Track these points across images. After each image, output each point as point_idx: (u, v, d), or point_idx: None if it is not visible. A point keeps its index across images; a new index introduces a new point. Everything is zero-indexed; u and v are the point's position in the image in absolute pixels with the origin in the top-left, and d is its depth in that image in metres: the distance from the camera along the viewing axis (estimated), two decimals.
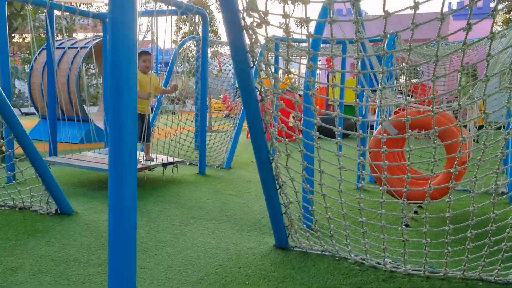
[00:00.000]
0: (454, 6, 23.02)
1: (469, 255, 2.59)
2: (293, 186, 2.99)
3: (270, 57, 9.45)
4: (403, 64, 9.01)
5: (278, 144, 2.93)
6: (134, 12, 1.76)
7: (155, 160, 5.65)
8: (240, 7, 2.33)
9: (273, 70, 2.60)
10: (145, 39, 6.95)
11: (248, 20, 2.37)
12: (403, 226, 2.70)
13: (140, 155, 5.49)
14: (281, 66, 7.22)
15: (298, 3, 2.16)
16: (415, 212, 4.45)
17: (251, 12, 2.30)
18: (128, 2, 1.78)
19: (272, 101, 2.72)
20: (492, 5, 19.70)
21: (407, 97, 7.40)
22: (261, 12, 2.28)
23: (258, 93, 2.72)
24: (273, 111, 2.70)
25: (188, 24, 20.62)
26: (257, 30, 2.39)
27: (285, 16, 2.17)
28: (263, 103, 2.71)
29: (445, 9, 2.06)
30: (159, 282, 2.70)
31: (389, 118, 4.31)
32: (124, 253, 1.87)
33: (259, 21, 2.34)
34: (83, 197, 4.79)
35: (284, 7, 2.16)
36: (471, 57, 9.80)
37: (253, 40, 2.45)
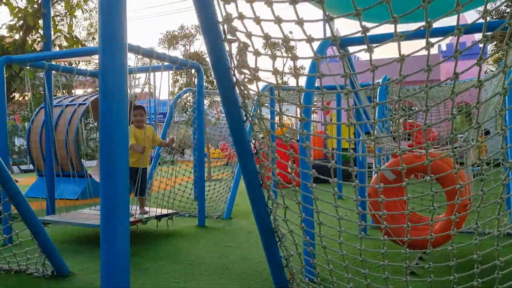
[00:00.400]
0: (444, 47, 23.65)
1: None
2: (292, 238, 2.93)
3: (264, 107, 9.58)
4: (403, 106, 9.12)
5: (276, 196, 2.90)
6: (124, 67, 1.79)
7: (148, 213, 5.57)
8: (231, 65, 2.38)
9: (268, 124, 2.62)
10: (143, 92, 7.08)
11: (240, 77, 2.41)
12: (407, 277, 2.62)
13: (133, 209, 5.42)
14: (275, 119, 7.29)
15: (288, 58, 2.20)
16: (420, 258, 4.34)
17: (242, 69, 2.35)
18: (119, 57, 1.82)
19: (267, 154, 2.72)
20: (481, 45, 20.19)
21: (401, 144, 7.43)
22: (252, 69, 2.32)
23: (252, 146, 2.73)
24: (269, 164, 2.69)
25: (184, 76, 21.11)
26: (249, 86, 2.43)
27: (275, 72, 2.21)
28: (258, 156, 2.71)
29: (435, 51, 2.16)
30: None
31: (386, 165, 4.30)
32: None
33: (250, 77, 2.38)
34: (81, 256, 4.69)
35: (273, 64, 2.20)
36: (464, 97, 9.95)
37: (245, 95, 2.49)
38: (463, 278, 2.52)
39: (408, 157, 4.24)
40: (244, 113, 2.56)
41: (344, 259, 2.76)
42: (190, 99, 17.18)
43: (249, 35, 2.13)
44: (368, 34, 1.91)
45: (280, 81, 2.36)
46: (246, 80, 2.39)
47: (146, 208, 5.78)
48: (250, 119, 2.57)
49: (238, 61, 2.31)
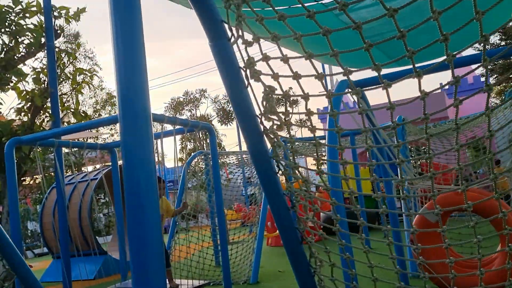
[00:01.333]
0: (446, 86, 23.75)
1: None
2: None
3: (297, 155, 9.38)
4: (414, 146, 8.93)
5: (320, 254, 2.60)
6: (148, 132, 1.59)
7: (179, 286, 5.21)
8: (257, 112, 2.19)
9: (302, 171, 2.38)
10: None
11: (267, 124, 2.21)
12: None
13: None
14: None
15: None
16: None
17: (269, 115, 2.15)
18: (142, 126, 1.63)
19: (305, 206, 2.45)
20: (483, 79, 20.29)
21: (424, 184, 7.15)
22: (280, 114, 2.12)
23: (287, 198, 2.47)
24: (308, 217, 2.42)
25: (193, 141, 21.19)
26: (279, 133, 2.22)
27: (309, 113, 2.00)
28: (295, 209, 2.44)
29: (439, 90, 2.05)
30: None
31: (425, 206, 4.00)
32: None
33: (279, 123, 2.17)
34: None
35: (306, 104, 2.01)
36: (476, 132, 9.79)
37: (274, 143, 2.27)
38: None
39: (448, 195, 3.95)
40: (275, 164, 2.34)
41: None
42: (200, 163, 17.08)
43: (276, 76, 1.95)
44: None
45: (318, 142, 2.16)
46: (275, 127, 2.19)
47: (176, 281, 5.41)
48: (282, 170, 2.33)
49: (265, 107, 2.11)
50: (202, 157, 9.72)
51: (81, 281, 7.49)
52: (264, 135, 2.26)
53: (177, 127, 5.42)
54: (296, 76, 1.90)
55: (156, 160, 5.92)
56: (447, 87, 24.17)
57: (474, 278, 3.30)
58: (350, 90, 3.77)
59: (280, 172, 2.34)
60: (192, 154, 9.45)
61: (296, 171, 2.30)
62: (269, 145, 2.34)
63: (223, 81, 2.15)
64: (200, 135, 18.33)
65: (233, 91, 2.19)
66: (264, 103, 2.11)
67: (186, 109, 22.39)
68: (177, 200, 8.25)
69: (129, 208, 1.53)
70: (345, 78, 1.88)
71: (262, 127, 2.24)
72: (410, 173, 4.78)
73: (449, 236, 4.93)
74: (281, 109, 2.19)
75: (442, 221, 3.92)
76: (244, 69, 2.07)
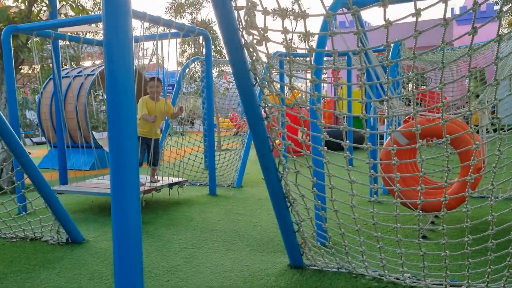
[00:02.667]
0: (457, 11, 22.98)
1: (491, 266, 2.48)
2: (304, 203, 2.92)
3: (274, 74, 9.45)
4: (409, 72, 8.95)
5: (286, 161, 2.87)
6: (128, 33, 1.74)
7: (160, 182, 5.61)
8: (239, 26, 2.31)
9: (278, 86, 2.55)
10: (151, 62, 7.00)
11: (248, 38, 2.34)
12: (420, 239, 2.60)
13: (143, 178, 5.46)
14: (286, 82, 7.21)
15: (299, 19, 2.12)
16: (432, 223, 4.33)
17: (250, 30, 2.27)
18: (123, 24, 1.76)
19: (277, 118, 2.67)
20: (496, 7, 19.57)
21: (416, 106, 7.32)
22: (260, 29, 2.24)
23: (263, 110, 2.68)
24: (279, 128, 2.65)
25: (192, 46, 20.85)
26: (258, 48, 2.36)
27: (285, 31, 2.13)
28: (268, 120, 2.66)
29: (448, 15, 2.04)
30: None
31: (399, 128, 4.24)
32: (130, 280, 1.81)
33: (259, 38, 2.30)
34: (94, 224, 4.76)
35: (283, 22, 2.13)
36: (478, 61, 9.71)
37: (254, 57, 2.42)
38: (476, 240, 2.50)
39: (421, 121, 4.17)
40: (253, 76, 2.51)
41: (356, 223, 2.75)
42: (198, 69, 17.03)
43: None
44: None
45: (289, 44, 2.29)
46: (255, 41, 2.32)
47: (158, 177, 5.81)
48: (259, 82, 2.51)
49: (246, 21, 2.23)
50: (200, 63, 9.75)
51: (76, 171, 7.94)
52: (244, 48, 2.40)
53: (173, 30, 5.46)
54: None
55: (155, 62, 6.03)
56: (457, 11, 23.35)
57: (436, 197, 3.63)
58: (345, 9, 3.80)
59: (257, 84, 2.51)
60: (190, 59, 9.47)
61: (271, 85, 2.48)
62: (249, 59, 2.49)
63: None
64: (200, 41, 18.03)
65: (217, 3, 2.28)
66: (246, 17, 2.22)
67: (188, 12, 21.66)
68: (171, 103, 8.46)
69: (109, 104, 1.73)
70: None
71: (242, 40, 2.37)
72: (394, 98, 4.95)
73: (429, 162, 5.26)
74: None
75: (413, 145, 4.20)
76: None
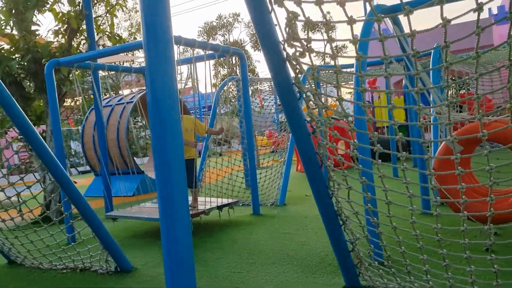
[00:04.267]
0: (495, 11, 22.17)
1: None
2: (358, 220, 2.74)
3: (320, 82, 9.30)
4: (453, 76, 8.60)
5: (336, 176, 2.72)
6: (170, 57, 1.67)
7: (197, 207, 5.40)
8: (280, 38, 2.21)
9: (322, 99, 2.43)
10: (186, 86, 7.05)
11: (290, 51, 2.24)
12: (492, 255, 2.37)
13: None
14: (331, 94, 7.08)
15: (347, 24, 2.00)
16: (495, 234, 4.02)
17: (292, 42, 2.17)
18: (164, 50, 1.71)
19: (324, 132, 2.54)
20: None
21: (463, 111, 6.97)
22: (303, 40, 2.14)
23: (308, 125, 2.55)
24: (327, 142, 2.51)
25: (226, 66, 21.08)
26: (301, 60, 2.25)
27: (330, 40, 2.02)
28: (315, 135, 2.53)
29: (486, 15, 1.91)
30: None
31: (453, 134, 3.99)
32: None
33: (301, 50, 2.20)
34: (141, 251, 4.72)
35: (327, 31, 2.01)
36: None
37: (297, 70, 2.31)
38: None
39: (474, 126, 3.92)
40: (297, 90, 2.39)
41: (418, 240, 2.55)
42: (232, 89, 17.12)
43: (298, 1, 1.95)
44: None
45: (335, 54, 2.16)
46: (297, 53, 2.22)
47: (207, 199, 5.67)
48: (304, 96, 2.39)
49: (288, 33, 2.13)
50: (235, 83, 9.78)
51: (121, 197, 8.04)
52: (287, 62, 2.30)
53: (208, 52, 5.46)
54: (319, 2, 1.89)
55: (190, 85, 6.04)
56: (495, 12, 22.54)
57: (496, 208, 3.36)
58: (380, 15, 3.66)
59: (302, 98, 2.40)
60: (226, 79, 9.50)
61: (317, 98, 2.35)
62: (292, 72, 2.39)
63: (246, 6, 2.16)
64: (233, 61, 18.19)
65: (256, 16, 2.20)
66: (287, 29, 2.12)
67: (219, 34, 21.95)
68: (208, 125, 8.47)
69: (153, 128, 1.65)
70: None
71: (285, 53, 2.28)
72: (440, 103, 4.71)
73: (476, 166, 4.94)
74: (318, 35, 2.20)
75: (468, 152, 3.94)
76: None
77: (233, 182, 7.73)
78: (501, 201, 4.00)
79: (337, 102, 2.25)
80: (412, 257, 2.85)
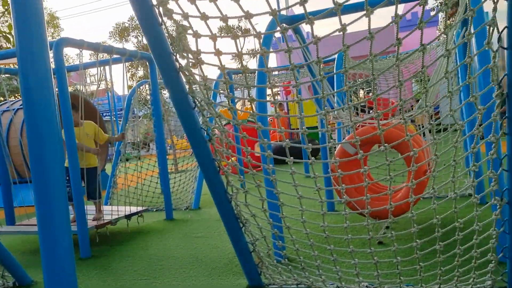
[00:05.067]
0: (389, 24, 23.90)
1: (442, 268, 2.53)
2: (256, 222, 2.88)
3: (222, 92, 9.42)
4: (353, 81, 9.19)
5: (233, 181, 2.83)
6: (45, 64, 1.65)
7: (102, 218, 5.20)
8: (172, 49, 2.27)
9: (217, 109, 2.52)
10: (99, 88, 6.83)
11: (182, 62, 2.30)
12: (372, 248, 2.62)
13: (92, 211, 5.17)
14: (224, 103, 7.20)
15: (244, 42, 2.11)
16: (387, 227, 4.40)
17: (183, 53, 2.24)
18: (39, 54, 1.68)
19: (220, 139, 2.63)
20: (433, 13, 20.57)
21: (365, 114, 7.49)
22: (193, 52, 2.22)
23: (205, 134, 2.63)
24: (224, 150, 2.61)
25: (142, 69, 20.62)
26: (193, 70, 2.33)
27: (218, 53, 2.11)
28: (212, 142, 2.62)
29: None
30: None
31: (345, 138, 4.31)
32: None
33: (193, 61, 2.27)
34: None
35: (214, 44, 2.11)
36: (417, 66, 10.15)
37: (190, 80, 2.38)
38: (426, 243, 2.55)
39: (367, 129, 4.26)
40: (192, 100, 2.46)
41: (309, 238, 2.74)
42: (148, 92, 16.75)
43: (185, 16, 2.02)
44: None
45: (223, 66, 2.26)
46: (190, 64, 2.29)
47: (114, 207, 5.47)
48: (198, 105, 2.47)
49: (177, 45, 2.20)
50: (149, 85, 9.61)
51: (25, 207, 7.54)
52: (180, 72, 2.36)
53: (114, 56, 5.35)
54: (204, 17, 1.98)
55: (105, 87, 5.83)
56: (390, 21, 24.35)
57: (385, 203, 3.67)
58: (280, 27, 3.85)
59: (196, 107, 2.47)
60: (138, 82, 9.31)
61: (210, 107, 2.44)
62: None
63: (137, 19, 2.19)
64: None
65: (147, 28, 2.24)
66: (178, 41, 2.19)
67: (132, 35, 21.37)
68: (121, 128, 8.24)
69: (30, 136, 1.62)
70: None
71: (177, 64, 2.33)
72: (338, 107, 5.04)
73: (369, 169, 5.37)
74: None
75: (364, 152, 4.27)
76: (157, 6, 2.12)
77: (147, 188, 7.59)
78: (387, 198, 4.38)
79: (229, 110, 2.36)
80: (306, 254, 3.05)
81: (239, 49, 2.13)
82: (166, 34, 2.24)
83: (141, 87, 9.47)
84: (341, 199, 2.63)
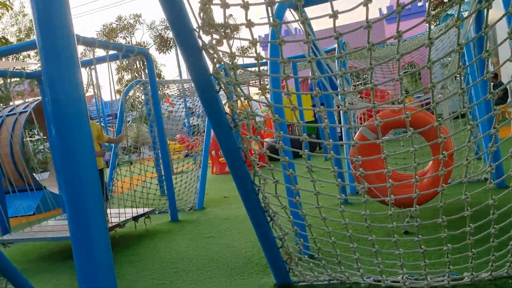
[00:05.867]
0: (384, 11, 23.99)
1: (495, 254, 2.33)
2: (287, 215, 2.65)
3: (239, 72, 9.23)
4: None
5: (262, 171, 2.60)
6: (73, 57, 1.42)
7: (109, 221, 5.02)
8: (195, 25, 2.03)
9: (244, 90, 2.29)
10: (87, 93, 6.53)
11: (206, 39, 2.07)
12: (419, 236, 2.40)
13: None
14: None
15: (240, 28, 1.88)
16: (411, 217, 4.21)
17: (208, 29, 2.00)
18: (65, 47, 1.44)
19: (248, 125, 2.40)
20: (420, 4, 20.57)
21: (374, 101, 7.32)
22: (219, 26, 1.98)
23: (231, 119, 2.40)
24: (252, 136, 2.38)
25: (130, 71, 20.25)
26: (218, 48, 2.09)
27: (249, 24, 1.88)
28: (237, 128, 2.39)
29: (377, 14, 1.99)
30: None
31: (363, 124, 4.10)
32: None
33: (218, 37, 2.04)
34: (47, 273, 4.22)
35: (246, 15, 1.88)
36: (414, 58, 10.07)
37: (215, 60, 2.15)
38: (478, 228, 2.35)
39: (385, 113, 4.07)
40: (216, 81, 2.23)
41: (348, 229, 2.52)
42: (138, 95, 16.37)
43: None
44: None
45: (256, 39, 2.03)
46: (214, 41, 2.05)
47: (121, 210, 5.25)
48: (224, 87, 2.24)
49: (202, 19, 1.96)
50: (141, 88, 9.31)
51: (19, 217, 7.23)
52: (203, 51, 2.12)
53: (111, 52, 5.08)
54: None
55: (91, 92, 5.56)
56: (385, 11, 24.43)
57: (410, 191, 3.48)
58: (295, 18, 3.64)
59: (221, 89, 2.24)
60: (131, 82, 8.99)
61: (238, 88, 2.21)
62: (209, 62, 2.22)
63: None
64: (137, 65, 17.50)
65: (166, 2, 2.00)
66: (202, 14, 1.95)
67: (120, 36, 20.95)
68: (116, 133, 7.95)
69: (59, 144, 1.38)
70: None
71: (200, 41, 2.10)
72: (350, 95, 4.85)
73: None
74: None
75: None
76: None
77: (147, 190, 7.33)
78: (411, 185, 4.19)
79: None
80: (342, 247, 2.84)
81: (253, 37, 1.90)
82: (188, 7, 2.00)
83: (130, 92, 9.17)
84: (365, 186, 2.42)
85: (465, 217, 2.24)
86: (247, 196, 2.62)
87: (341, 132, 8.56)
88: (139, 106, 14.72)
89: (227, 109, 2.40)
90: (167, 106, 15.34)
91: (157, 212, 6.90)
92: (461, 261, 2.61)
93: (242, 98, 2.26)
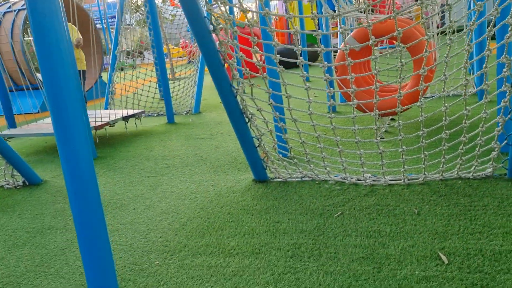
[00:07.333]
0: None
1: (445, 156, 2.58)
2: (262, 116, 2.88)
3: None
4: None
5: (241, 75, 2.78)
6: None
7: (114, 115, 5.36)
8: None
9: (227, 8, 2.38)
10: None
11: None
12: (378, 138, 2.65)
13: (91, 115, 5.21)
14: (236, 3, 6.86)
15: None
16: (392, 119, 4.44)
17: None
18: None
19: (226, 30, 2.53)
20: None
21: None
22: None
23: (209, 23, 2.52)
24: (229, 40, 2.52)
25: None
26: None
27: None
28: (216, 33, 2.52)
29: None
30: (140, 235, 2.63)
31: (350, 34, 4.16)
32: (90, 215, 1.73)
33: None
34: (50, 164, 4.60)
35: None
36: None
37: None
38: (431, 133, 2.58)
39: (374, 26, 4.11)
40: None
41: (315, 130, 2.76)
42: None
43: None
44: None
45: None
46: None
47: (111, 111, 5.57)
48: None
49: None
50: None
51: (24, 115, 7.55)
52: None
53: None
54: None
55: None
56: None
57: (390, 101, 3.65)
58: None
59: None
60: None
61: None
62: None
63: None
64: None
65: None
66: None
67: None
68: (114, 37, 7.95)
69: (36, 35, 1.53)
70: None
71: None
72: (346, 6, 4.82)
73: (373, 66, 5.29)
74: None
75: (366, 53, 4.17)
76: None
77: (147, 93, 7.55)
78: (390, 93, 4.36)
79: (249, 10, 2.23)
80: (312, 147, 3.11)
81: None
82: None
83: None
84: (347, 90, 2.60)
85: (419, 122, 2.46)
86: (226, 98, 2.83)
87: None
88: (142, 9, 14.38)
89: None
90: (172, 10, 14.97)
91: (155, 114, 7.20)
92: (417, 163, 2.89)
93: (219, 2, 2.36)
